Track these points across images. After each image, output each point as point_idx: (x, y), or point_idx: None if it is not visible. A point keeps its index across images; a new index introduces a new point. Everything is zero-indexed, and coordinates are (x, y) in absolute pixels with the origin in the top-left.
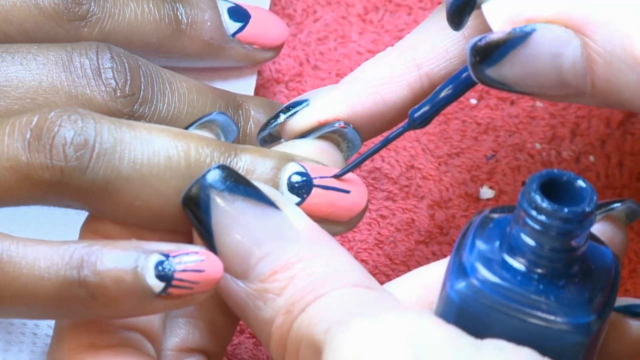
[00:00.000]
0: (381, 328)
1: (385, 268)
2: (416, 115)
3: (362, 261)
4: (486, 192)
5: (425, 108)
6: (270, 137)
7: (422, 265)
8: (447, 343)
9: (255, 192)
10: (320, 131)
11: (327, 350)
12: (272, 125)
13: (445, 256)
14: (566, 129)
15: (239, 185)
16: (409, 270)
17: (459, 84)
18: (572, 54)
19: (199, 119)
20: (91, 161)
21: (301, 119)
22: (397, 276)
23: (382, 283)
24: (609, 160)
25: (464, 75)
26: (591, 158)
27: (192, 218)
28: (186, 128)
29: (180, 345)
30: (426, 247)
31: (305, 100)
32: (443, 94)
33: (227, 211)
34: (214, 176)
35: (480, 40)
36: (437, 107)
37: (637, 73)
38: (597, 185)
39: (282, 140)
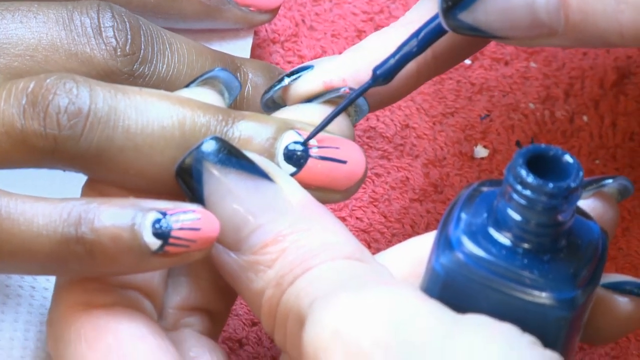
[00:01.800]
0: (361, 303)
1: (380, 226)
2: (379, 71)
3: (357, 219)
4: (480, 151)
5: (389, 63)
6: (273, 103)
7: (416, 223)
8: (427, 318)
9: (248, 164)
10: (325, 96)
11: (308, 324)
12: (275, 88)
13: (439, 214)
14: (560, 90)
15: (232, 157)
16: (403, 228)
17: (424, 36)
18: None
19: (201, 76)
20: (85, 130)
21: (306, 82)
22: (392, 234)
23: (376, 240)
24: (602, 120)
25: (430, 26)
26: (585, 118)
27: (185, 189)
28: (188, 85)
29: (182, 303)
30: (420, 205)
31: (311, 66)
32: (407, 48)
33: (219, 184)
34: (207, 148)
35: None
36: (401, 62)
37: None
38: (590, 145)
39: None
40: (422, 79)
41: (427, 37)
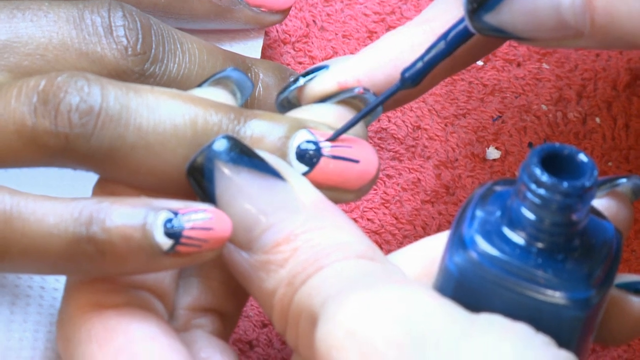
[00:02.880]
0: (375, 302)
1: (391, 227)
2: (407, 74)
3: (368, 220)
4: (492, 153)
5: (417, 66)
6: (288, 103)
7: (427, 224)
8: (441, 317)
9: (260, 163)
10: (340, 96)
11: (321, 323)
12: (291, 88)
13: (451, 216)
14: (572, 91)
15: (243, 156)
16: (415, 229)
17: (452, 39)
18: None
19: (213, 75)
20: (96, 128)
21: (321, 82)
22: (403, 235)
23: (388, 242)
24: (615, 122)
25: (458, 29)
26: (597, 120)
27: (196, 188)
28: (200, 85)
29: (193, 304)
30: (432, 207)
31: (326, 66)
32: (435, 50)
33: (231, 182)
34: (219, 147)
35: None
36: (430, 65)
37: None
38: (603, 147)
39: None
40: (437, 79)
41: (455, 39)
